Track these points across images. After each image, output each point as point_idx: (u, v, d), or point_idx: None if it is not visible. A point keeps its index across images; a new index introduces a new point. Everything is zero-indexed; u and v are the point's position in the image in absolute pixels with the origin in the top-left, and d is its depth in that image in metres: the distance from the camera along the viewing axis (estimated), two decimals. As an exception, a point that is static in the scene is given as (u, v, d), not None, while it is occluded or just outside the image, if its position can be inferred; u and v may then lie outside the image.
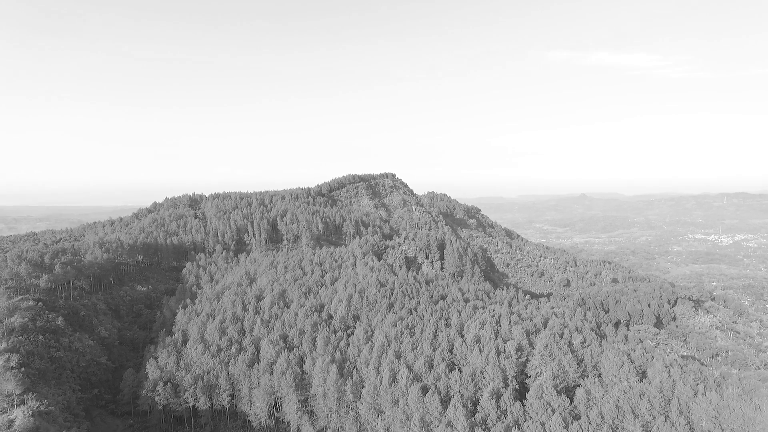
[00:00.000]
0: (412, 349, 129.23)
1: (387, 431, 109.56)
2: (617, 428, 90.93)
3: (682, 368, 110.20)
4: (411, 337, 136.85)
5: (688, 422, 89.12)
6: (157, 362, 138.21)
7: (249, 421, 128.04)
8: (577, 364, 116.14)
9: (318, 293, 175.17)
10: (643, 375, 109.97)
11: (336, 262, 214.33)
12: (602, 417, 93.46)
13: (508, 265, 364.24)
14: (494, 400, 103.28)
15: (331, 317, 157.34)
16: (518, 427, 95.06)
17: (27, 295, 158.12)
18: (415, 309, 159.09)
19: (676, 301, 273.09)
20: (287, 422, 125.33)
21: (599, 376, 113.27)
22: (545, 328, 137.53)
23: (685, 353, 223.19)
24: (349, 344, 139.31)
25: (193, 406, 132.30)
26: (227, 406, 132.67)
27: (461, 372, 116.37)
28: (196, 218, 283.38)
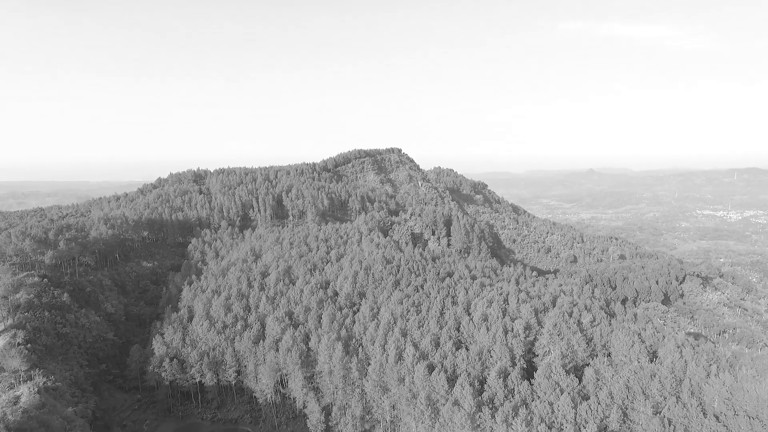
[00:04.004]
0: (419, 327, 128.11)
1: (393, 409, 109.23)
2: (627, 409, 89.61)
3: (694, 348, 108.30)
4: (417, 314, 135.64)
5: (700, 403, 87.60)
6: (163, 338, 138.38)
7: (255, 397, 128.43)
8: (587, 343, 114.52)
9: (323, 270, 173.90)
10: (654, 355, 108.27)
11: (341, 238, 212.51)
12: (612, 397, 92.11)
13: (514, 241, 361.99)
14: (502, 379, 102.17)
15: (336, 294, 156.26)
16: (526, 406, 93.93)
17: (32, 272, 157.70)
18: (422, 286, 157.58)
19: (684, 278, 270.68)
20: (293, 398, 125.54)
21: (609, 355, 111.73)
22: (554, 306, 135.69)
23: (691, 330, 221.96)
24: (354, 322, 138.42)
25: (200, 381, 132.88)
26: (233, 382, 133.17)
27: (468, 350, 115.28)
28: (200, 194, 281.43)
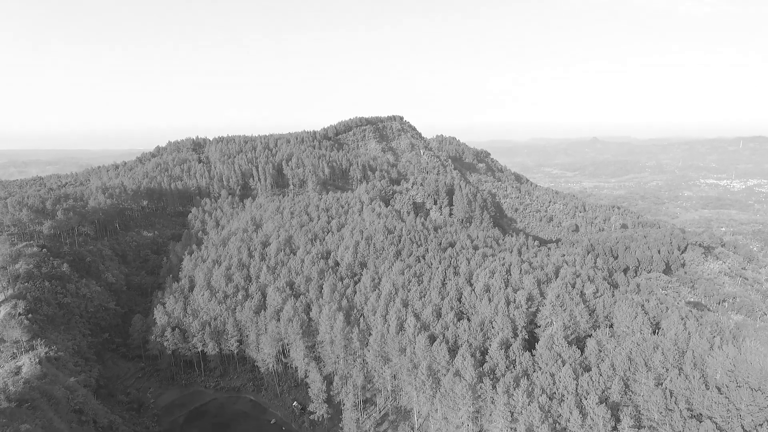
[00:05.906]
0: (420, 298, 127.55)
1: (394, 379, 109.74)
2: (629, 380, 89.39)
3: (697, 320, 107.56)
4: (419, 285, 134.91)
5: (703, 375, 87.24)
6: (165, 308, 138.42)
7: (257, 366, 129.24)
8: (589, 314, 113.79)
9: (324, 240, 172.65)
10: (657, 327, 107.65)
11: (342, 207, 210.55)
12: (614, 369, 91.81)
13: (516, 210, 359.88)
14: (503, 350, 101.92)
15: (337, 264, 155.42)
16: (527, 377, 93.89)
17: (31, 242, 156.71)
18: (423, 257, 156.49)
19: (686, 248, 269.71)
20: (295, 368, 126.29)
21: (611, 326, 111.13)
22: (557, 277, 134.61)
23: (691, 299, 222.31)
24: (356, 292, 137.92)
25: (202, 351, 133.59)
26: (235, 352, 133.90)
27: (470, 321, 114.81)
28: (200, 162, 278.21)
